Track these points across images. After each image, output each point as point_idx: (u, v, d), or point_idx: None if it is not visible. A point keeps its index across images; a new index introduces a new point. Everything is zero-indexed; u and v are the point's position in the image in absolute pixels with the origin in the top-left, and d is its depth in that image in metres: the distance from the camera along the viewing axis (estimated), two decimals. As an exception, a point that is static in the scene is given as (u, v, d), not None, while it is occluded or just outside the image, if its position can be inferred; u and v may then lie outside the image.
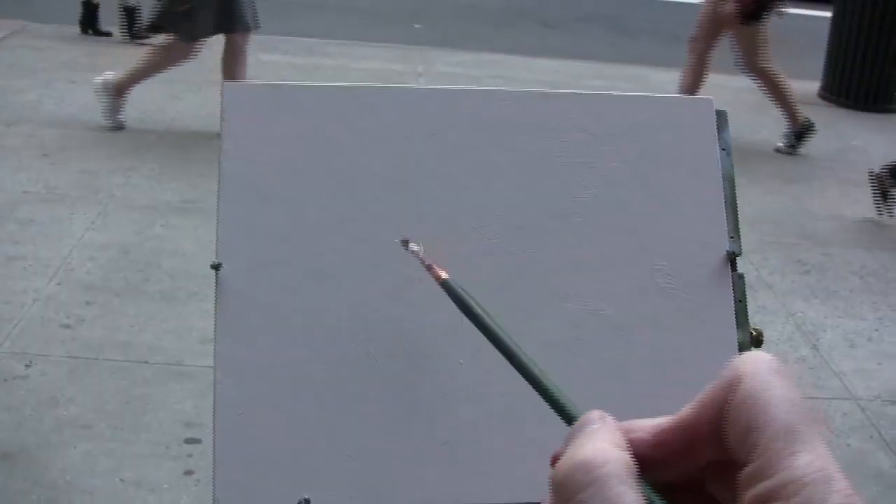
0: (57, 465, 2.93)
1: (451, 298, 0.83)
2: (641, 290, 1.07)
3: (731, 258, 1.10)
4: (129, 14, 7.17)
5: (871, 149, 6.64)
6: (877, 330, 4.23)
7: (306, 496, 0.96)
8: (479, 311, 0.77)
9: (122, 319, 3.72)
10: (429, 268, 0.91)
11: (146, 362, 3.48)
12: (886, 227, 5.27)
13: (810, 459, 0.39)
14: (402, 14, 7.19)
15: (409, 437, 0.99)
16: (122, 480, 2.90)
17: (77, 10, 7.31)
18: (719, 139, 1.13)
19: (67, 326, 3.64)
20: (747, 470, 0.41)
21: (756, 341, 1.10)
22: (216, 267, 0.99)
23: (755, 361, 0.43)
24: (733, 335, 1.09)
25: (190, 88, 6.19)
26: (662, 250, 1.08)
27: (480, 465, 0.98)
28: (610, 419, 0.45)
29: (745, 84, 7.72)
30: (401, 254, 1.03)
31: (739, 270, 1.12)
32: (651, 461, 0.45)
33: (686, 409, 0.45)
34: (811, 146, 6.50)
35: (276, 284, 1.00)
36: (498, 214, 1.06)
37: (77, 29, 7.33)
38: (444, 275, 0.88)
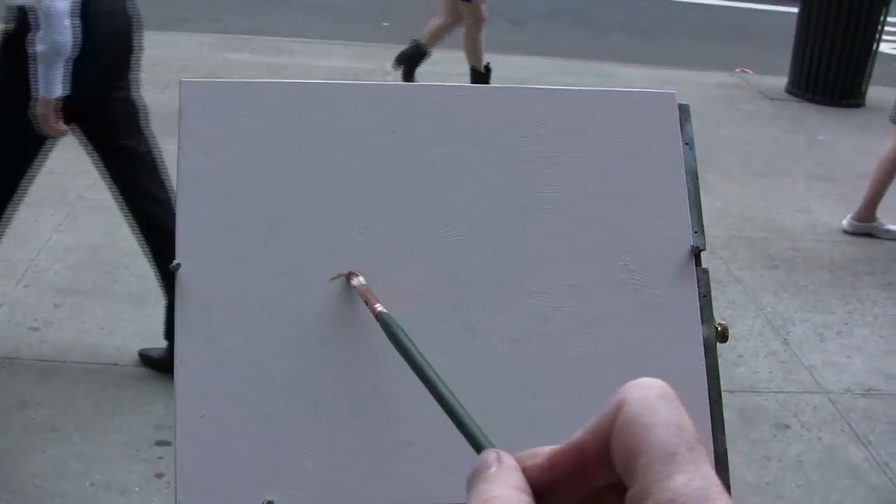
0: (26, 470, 2.90)
1: (385, 332, 0.86)
2: (606, 285, 1.07)
3: (696, 253, 1.10)
4: (416, 51, 7.03)
5: (839, 143, 6.69)
6: (846, 323, 4.27)
7: (270, 498, 0.95)
8: (409, 346, 0.81)
9: (90, 322, 3.70)
10: (366, 301, 0.93)
11: (115, 364, 3.46)
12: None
13: (687, 479, 0.40)
14: (370, 12, 7.19)
15: (373, 437, 0.99)
16: (91, 484, 2.87)
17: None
18: (682, 133, 1.13)
19: (36, 329, 3.61)
20: (630, 493, 0.41)
21: (721, 336, 1.10)
22: (175, 268, 0.98)
23: (642, 387, 0.45)
24: (698, 330, 1.08)
25: (157, 87, 6.16)
26: (627, 245, 1.08)
27: (446, 466, 0.98)
28: (507, 459, 0.46)
29: (714, 79, 7.76)
30: (365, 251, 1.03)
31: (707, 265, 1.12)
32: (548, 485, 0.46)
33: (577, 434, 0.46)
34: (779, 141, 6.54)
35: (237, 283, 0.99)
36: (461, 210, 1.05)
37: None
38: (379, 308, 0.90)
